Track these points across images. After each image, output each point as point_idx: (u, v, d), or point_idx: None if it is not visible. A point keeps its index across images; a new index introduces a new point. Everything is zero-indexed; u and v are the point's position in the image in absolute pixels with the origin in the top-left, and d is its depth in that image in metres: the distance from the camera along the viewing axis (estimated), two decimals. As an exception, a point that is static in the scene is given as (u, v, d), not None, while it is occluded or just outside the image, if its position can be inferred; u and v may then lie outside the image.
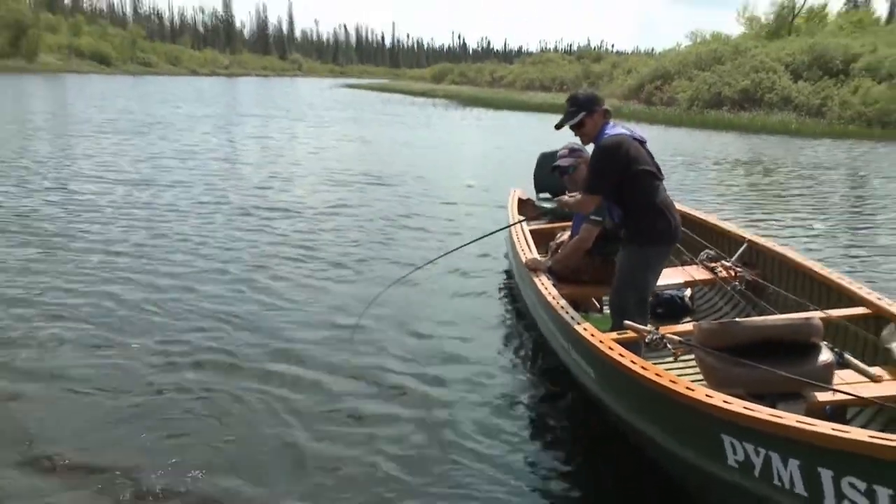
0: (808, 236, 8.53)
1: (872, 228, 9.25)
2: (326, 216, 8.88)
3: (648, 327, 3.27)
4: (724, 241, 5.26)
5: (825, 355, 2.81)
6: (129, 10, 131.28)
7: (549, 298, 3.87)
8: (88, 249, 6.77)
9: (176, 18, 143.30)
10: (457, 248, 5.13)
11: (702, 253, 4.96)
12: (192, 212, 8.76)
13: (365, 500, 2.96)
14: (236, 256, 6.78)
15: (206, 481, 3.06)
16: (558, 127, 3.85)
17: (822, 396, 2.77)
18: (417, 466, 3.22)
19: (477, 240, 4.88)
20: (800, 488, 2.07)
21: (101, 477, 3.07)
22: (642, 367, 2.73)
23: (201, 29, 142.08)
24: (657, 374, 2.65)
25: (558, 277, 4.39)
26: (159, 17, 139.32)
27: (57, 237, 7.20)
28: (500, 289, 5.98)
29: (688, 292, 5.08)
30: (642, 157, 3.67)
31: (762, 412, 2.17)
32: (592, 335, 3.21)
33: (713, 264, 4.83)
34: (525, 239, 5.16)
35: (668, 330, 3.25)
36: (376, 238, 7.76)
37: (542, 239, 5.54)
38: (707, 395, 2.38)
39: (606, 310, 4.51)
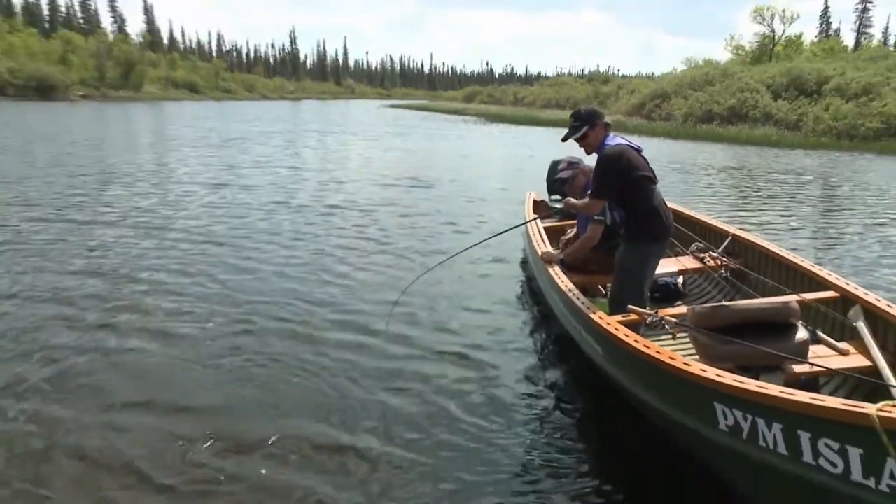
0: (783, 230, 8.39)
1: (837, 223, 9.05)
2: (375, 211, 8.97)
3: (648, 310, 3.22)
4: (711, 235, 5.18)
5: (801, 333, 2.78)
6: (214, 47, 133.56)
7: (563, 286, 3.82)
8: (183, 237, 7.02)
9: (251, 52, 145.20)
10: (482, 241, 5.10)
11: (692, 245, 4.92)
12: (265, 208, 8.97)
13: (379, 447, 2.99)
14: (302, 244, 6.93)
15: (281, 422, 3.17)
16: (564, 139, 3.77)
17: (799, 368, 2.75)
18: (438, 428, 3.17)
19: (499, 234, 4.81)
20: (781, 448, 2.07)
21: (197, 420, 3.18)
22: (644, 346, 2.69)
23: (272, 61, 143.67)
24: (657, 352, 2.60)
25: (569, 268, 4.34)
26: (238, 52, 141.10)
27: (159, 228, 7.46)
28: (518, 276, 5.94)
29: (680, 279, 5.02)
30: (641, 164, 3.55)
31: (749, 384, 2.15)
32: (600, 318, 3.15)
33: (702, 255, 4.78)
34: (540, 235, 5.11)
35: (665, 313, 3.22)
36: (417, 230, 7.83)
37: (554, 235, 5.51)
38: (702, 370, 2.35)
39: None
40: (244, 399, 3.41)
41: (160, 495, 2.64)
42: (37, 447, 2.94)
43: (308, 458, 2.90)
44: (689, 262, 4.71)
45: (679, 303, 4.73)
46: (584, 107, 3.81)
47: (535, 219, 5.41)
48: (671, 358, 2.50)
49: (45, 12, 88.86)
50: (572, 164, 4.71)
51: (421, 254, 6.56)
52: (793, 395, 2.01)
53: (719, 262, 4.68)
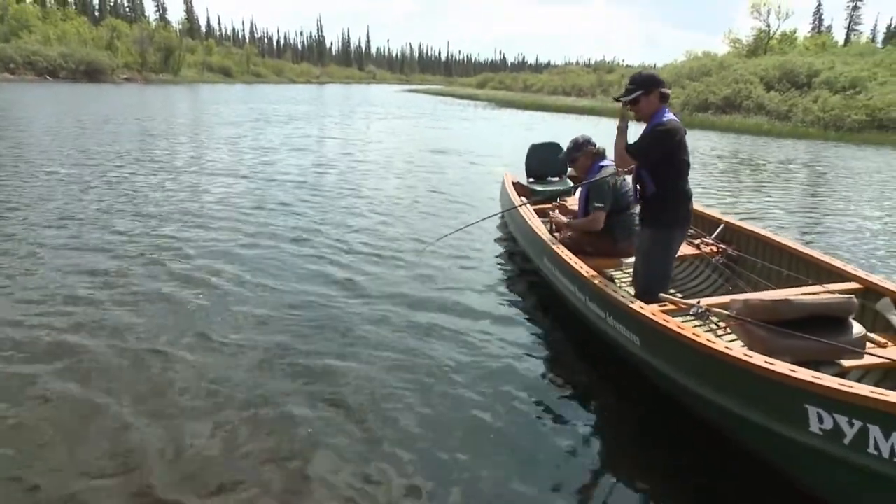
0: (772, 215, 8.12)
1: (823, 210, 8.85)
2: (391, 177, 9.71)
3: (691, 301, 2.93)
4: (703, 223, 4.85)
5: (857, 327, 2.53)
6: (247, 34, 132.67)
7: (586, 274, 3.43)
8: (223, 199, 7.36)
9: (281, 39, 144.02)
10: (476, 222, 5.13)
11: None
12: (299, 174, 9.80)
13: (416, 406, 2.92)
14: (332, 203, 7.56)
15: (326, 367, 3.36)
16: (616, 100, 3.33)
17: (849, 363, 2.47)
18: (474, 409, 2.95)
19: (490, 217, 4.94)
20: None
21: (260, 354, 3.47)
22: (708, 341, 2.37)
23: (300, 47, 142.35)
24: (727, 348, 2.28)
25: (569, 250, 3.98)
26: (269, 39, 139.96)
27: (197, 190, 7.97)
28: (503, 262, 5.39)
29: None
30: (686, 148, 3.24)
31: (862, 389, 1.85)
32: (642, 308, 2.80)
33: (696, 241, 4.52)
34: (535, 219, 4.73)
35: (708, 303, 2.91)
36: (424, 199, 8.13)
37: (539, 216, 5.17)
38: (791, 370, 2.05)
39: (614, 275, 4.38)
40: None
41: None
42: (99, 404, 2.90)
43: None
44: (685, 248, 4.35)
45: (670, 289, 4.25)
46: (644, 71, 3.38)
47: (523, 204, 5.11)
48: (747, 356, 2.22)
49: (96, 1, 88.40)
50: (579, 144, 4.45)
51: (425, 225, 6.65)
52: None
53: (715, 249, 4.39)
